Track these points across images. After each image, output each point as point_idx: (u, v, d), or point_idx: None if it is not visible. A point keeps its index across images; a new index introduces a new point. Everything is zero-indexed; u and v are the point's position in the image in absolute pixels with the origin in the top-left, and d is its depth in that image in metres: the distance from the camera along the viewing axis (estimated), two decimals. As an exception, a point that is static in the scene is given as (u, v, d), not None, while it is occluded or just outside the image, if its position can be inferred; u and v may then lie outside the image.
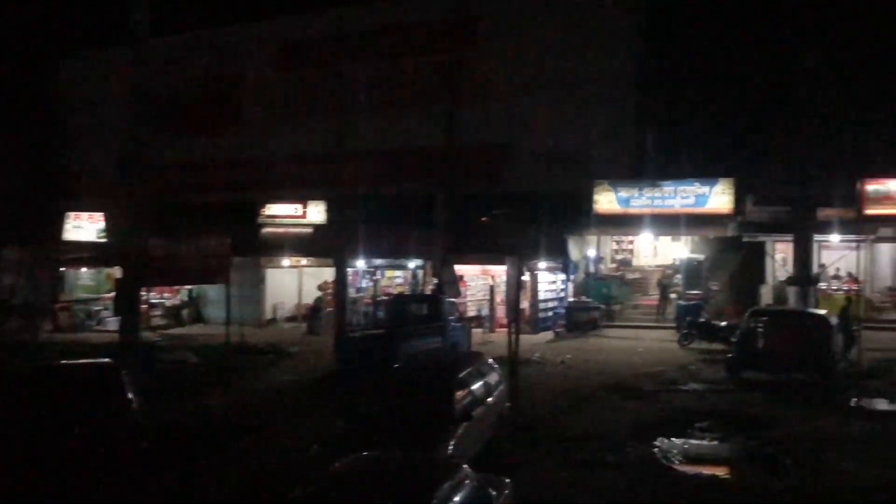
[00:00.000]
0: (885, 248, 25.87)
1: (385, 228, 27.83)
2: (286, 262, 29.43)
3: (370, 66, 30.16)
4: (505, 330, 17.94)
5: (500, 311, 23.73)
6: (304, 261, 29.16)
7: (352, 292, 26.93)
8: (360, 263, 27.68)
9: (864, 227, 23.96)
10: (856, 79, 23.83)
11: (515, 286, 15.10)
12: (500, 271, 22.89)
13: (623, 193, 26.17)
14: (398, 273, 29.81)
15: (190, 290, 28.46)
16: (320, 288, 27.75)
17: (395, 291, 28.48)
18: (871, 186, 24.12)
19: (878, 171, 24.13)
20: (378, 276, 28.61)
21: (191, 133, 33.70)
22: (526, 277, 24.29)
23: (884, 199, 24.04)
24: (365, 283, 28.79)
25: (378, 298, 26.86)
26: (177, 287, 27.02)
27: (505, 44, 28.56)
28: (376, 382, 11.47)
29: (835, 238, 24.15)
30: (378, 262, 28.35)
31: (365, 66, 29.59)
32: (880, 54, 24.21)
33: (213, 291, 25.74)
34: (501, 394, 11.75)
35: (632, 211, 25.95)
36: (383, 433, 9.06)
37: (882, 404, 14.56)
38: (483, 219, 26.70)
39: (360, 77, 29.22)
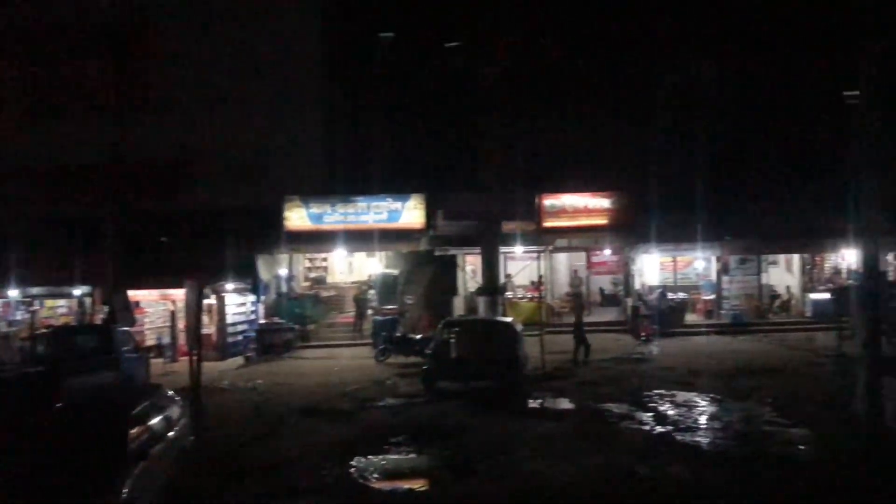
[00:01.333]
0: (562, 258, 28.91)
1: (44, 253, 24.98)
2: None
3: (24, 71, 27.06)
4: (188, 358, 16.82)
5: (184, 339, 22.30)
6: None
7: (2, 326, 23.80)
8: (13, 293, 24.58)
9: (543, 238, 26.47)
10: (532, 101, 26.35)
11: (196, 310, 14.23)
12: (181, 295, 21.53)
13: (315, 209, 26.17)
14: (61, 302, 26.83)
15: None
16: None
17: (58, 323, 25.57)
18: (548, 201, 26.74)
19: (554, 188, 26.80)
20: (37, 307, 25.53)
21: None
22: (212, 300, 23.26)
23: (559, 212, 26.76)
24: (20, 316, 25.52)
25: (38, 332, 23.88)
26: None
27: (183, 50, 27.30)
28: (32, 426, 10.02)
29: (518, 249, 26.32)
30: (36, 290, 25.36)
31: (20, 70, 26.49)
32: (549, 79, 27.13)
33: None
34: (184, 427, 10.93)
35: (324, 227, 26.02)
36: (46, 482, 8.02)
37: (564, 403, 15.96)
38: (161, 238, 25.11)
39: (14, 82, 26.15)
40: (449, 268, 27.20)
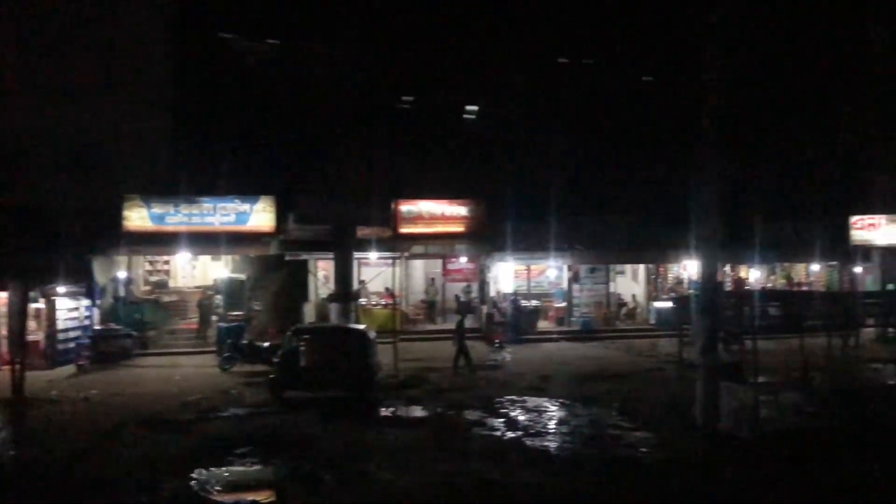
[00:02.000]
0: (417, 264, 29.14)
1: None
2: None
3: None
4: (10, 367, 15.70)
5: (6, 346, 20.81)
6: None
7: None
8: None
9: (399, 244, 26.58)
10: (392, 105, 26.52)
11: (19, 315, 13.35)
12: (3, 298, 20.09)
13: (157, 209, 25.09)
14: None
15: None
16: None
17: None
18: (405, 207, 26.89)
19: (411, 194, 27.00)
20: None
21: None
22: (40, 304, 21.86)
23: (415, 218, 26.96)
24: None
25: None
26: None
27: (17, 35, 25.61)
28: None
29: (373, 255, 26.31)
30: None
31: None
32: (407, 84, 27.42)
33: None
34: (4, 443, 10.20)
35: (167, 228, 24.98)
36: None
37: (417, 411, 16.07)
38: (-19, 237, 23.30)
39: None
40: (300, 273, 26.79)
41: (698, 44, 13.88)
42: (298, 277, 26.75)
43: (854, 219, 30.28)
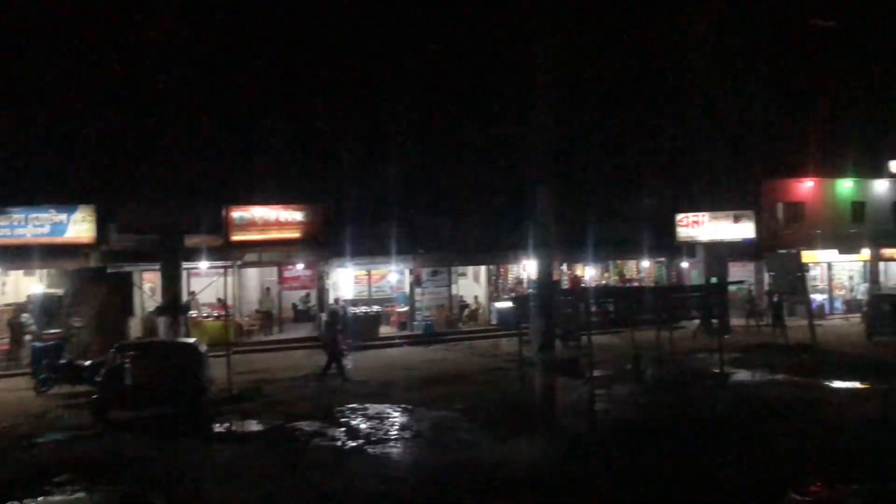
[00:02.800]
0: (251, 273, 28.55)
1: None
2: None
3: None
4: None
5: None
6: None
7: None
8: None
9: (231, 252, 25.96)
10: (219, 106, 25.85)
11: None
12: None
13: (-42, 221, 23.32)
14: None
15: None
16: None
17: None
18: (237, 213, 26.32)
19: (243, 199, 26.46)
20: None
21: None
22: None
23: (248, 225, 26.43)
24: None
25: None
26: None
27: None
28: None
29: (204, 265, 25.55)
30: None
31: None
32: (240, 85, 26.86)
33: None
34: None
35: (-30, 242, 23.27)
36: None
37: (253, 425, 15.77)
38: None
39: None
40: (124, 286, 25.60)
41: (529, 49, 14.46)
42: (122, 291, 25.56)
43: (679, 217, 32.41)
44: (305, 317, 28.74)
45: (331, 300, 27.13)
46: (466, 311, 30.10)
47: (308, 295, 28.93)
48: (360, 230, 26.97)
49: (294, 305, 29.25)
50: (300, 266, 28.14)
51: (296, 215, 26.94)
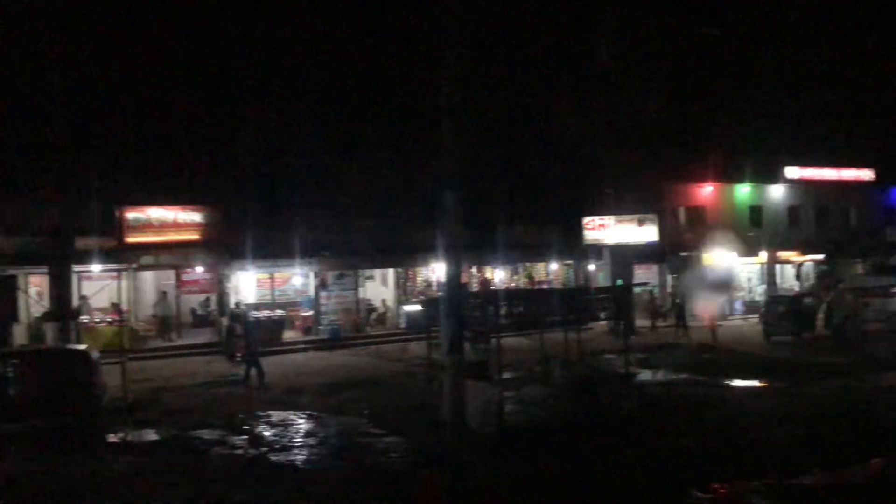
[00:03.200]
0: (147, 277, 27.57)
1: None
2: None
3: None
4: None
5: None
6: None
7: None
8: None
9: (125, 255, 25.03)
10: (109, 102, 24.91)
11: None
12: None
13: None
14: None
15: None
16: None
17: None
18: (132, 214, 25.44)
19: (138, 200, 25.56)
20: None
21: None
22: None
23: (144, 226, 25.58)
24: None
25: None
26: None
27: None
28: None
29: (96, 267, 24.54)
30: None
31: None
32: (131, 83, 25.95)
33: None
34: None
35: None
36: None
37: (150, 435, 15.18)
38: None
39: None
40: (7, 290, 24.33)
41: (436, 49, 14.39)
42: (5, 295, 24.29)
43: (586, 220, 33.01)
44: (205, 322, 27.92)
45: (232, 304, 26.46)
46: (374, 315, 29.87)
47: (208, 299, 28.14)
48: (262, 232, 26.41)
49: (193, 310, 28.38)
50: (199, 269, 27.34)
51: (194, 216, 26.22)
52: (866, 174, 39.86)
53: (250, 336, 21.12)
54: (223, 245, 26.22)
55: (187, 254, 26.38)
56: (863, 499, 10.87)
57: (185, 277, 27.64)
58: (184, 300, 28.05)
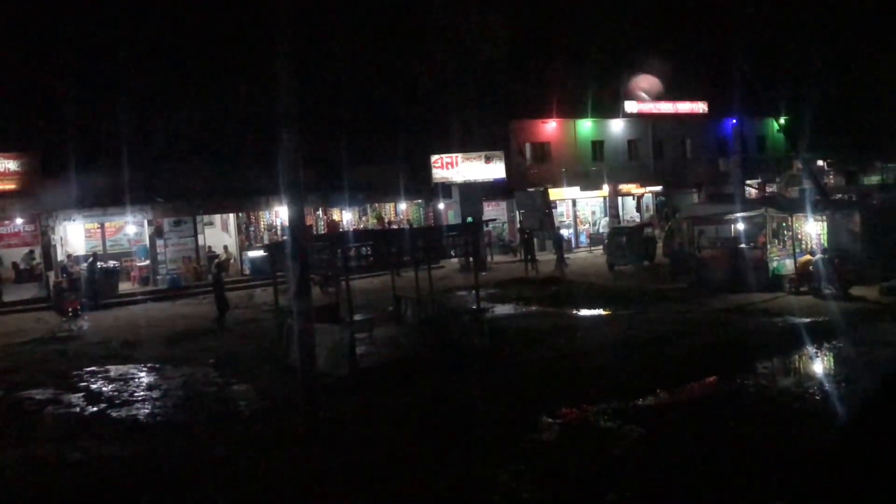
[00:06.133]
0: (-41, 231, 25.63)
1: None
2: None
3: None
4: None
5: None
6: None
7: None
8: None
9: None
10: None
11: None
12: None
13: None
14: None
15: None
16: None
17: None
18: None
19: None
20: None
21: None
22: None
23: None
24: None
25: None
26: None
27: None
28: None
29: None
30: None
31: None
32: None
33: None
34: None
35: None
36: None
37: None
38: None
39: None
40: None
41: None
42: None
43: (434, 158, 33.20)
44: (30, 276, 26.33)
45: (60, 257, 25.06)
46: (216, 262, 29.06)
47: (32, 252, 26.49)
48: (87, 179, 25.01)
49: (15, 265, 26.69)
50: (19, 221, 25.62)
51: (9, 164, 24.50)
52: (700, 107, 41.94)
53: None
54: (44, 194, 24.68)
55: (3, 205, 24.67)
56: (702, 412, 11.69)
57: (2, 230, 25.83)
58: (4, 254, 26.34)
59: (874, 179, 43.29)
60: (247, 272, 28.35)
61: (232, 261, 29.23)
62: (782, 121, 39.29)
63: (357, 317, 16.33)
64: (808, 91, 35.18)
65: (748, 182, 38.37)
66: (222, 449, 10.62)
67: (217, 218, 29.99)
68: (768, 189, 41.88)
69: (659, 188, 40.33)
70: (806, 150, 35.80)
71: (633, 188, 39.46)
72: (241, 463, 10.03)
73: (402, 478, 9.27)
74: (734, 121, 39.56)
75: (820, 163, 44.40)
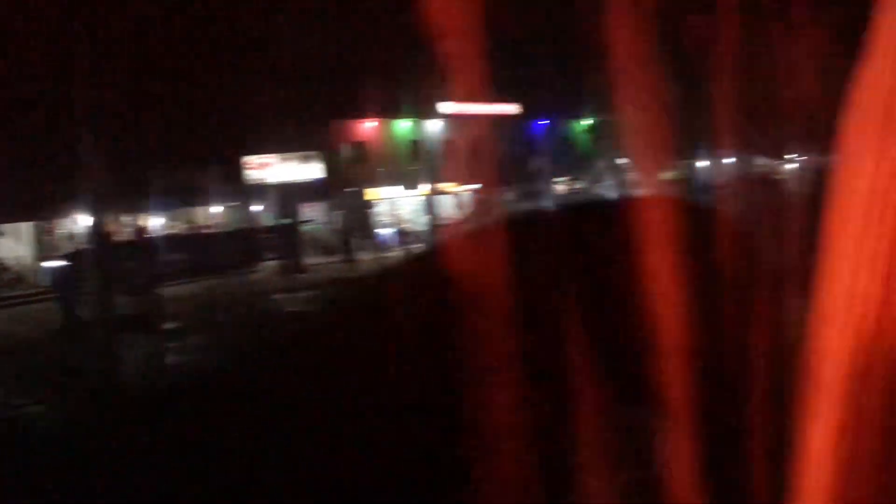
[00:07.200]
0: None
1: None
2: None
3: None
4: None
5: None
6: None
7: None
8: None
9: None
10: None
11: None
12: None
13: None
14: None
15: None
16: None
17: None
18: None
19: None
20: None
21: None
22: None
23: None
24: None
25: None
26: None
27: None
28: None
29: None
30: None
31: None
32: None
33: None
34: None
35: None
36: None
37: None
38: None
39: None
40: None
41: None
42: None
43: (248, 159, 32.52)
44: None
45: None
46: (9, 275, 27.29)
47: None
48: None
49: None
50: None
51: None
52: (512, 109, 43.35)
53: None
54: None
55: None
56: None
57: None
58: None
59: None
60: (46, 284, 26.71)
61: (27, 272, 27.57)
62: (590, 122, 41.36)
63: (170, 325, 15.81)
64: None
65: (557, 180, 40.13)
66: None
67: (7, 227, 28.18)
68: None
69: (478, 186, 41.29)
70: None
71: (450, 187, 40.26)
72: None
73: None
74: (546, 122, 41.18)
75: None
